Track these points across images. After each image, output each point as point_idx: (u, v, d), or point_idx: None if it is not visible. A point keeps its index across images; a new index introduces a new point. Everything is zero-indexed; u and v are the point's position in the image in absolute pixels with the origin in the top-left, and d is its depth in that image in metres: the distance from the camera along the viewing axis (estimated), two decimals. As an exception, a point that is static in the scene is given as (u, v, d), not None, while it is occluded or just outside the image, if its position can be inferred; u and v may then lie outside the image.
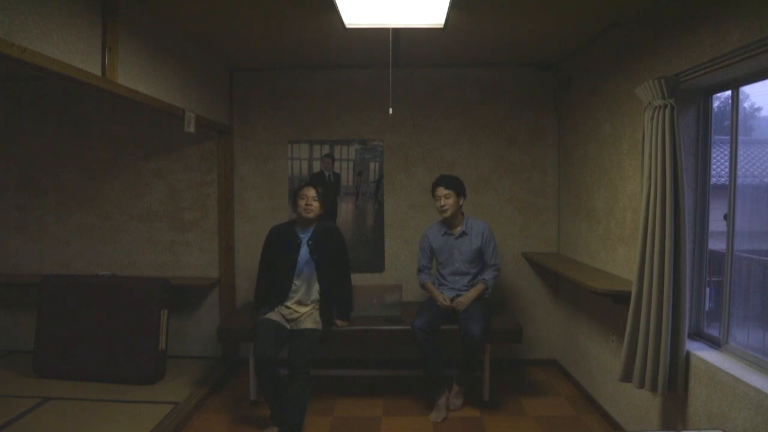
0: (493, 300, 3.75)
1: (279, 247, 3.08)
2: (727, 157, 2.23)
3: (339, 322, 3.16)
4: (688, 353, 2.25)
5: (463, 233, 3.26)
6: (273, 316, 2.99)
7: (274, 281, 3.08)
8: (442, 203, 3.19)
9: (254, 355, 2.92)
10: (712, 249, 2.42)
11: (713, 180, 2.40)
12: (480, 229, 3.28)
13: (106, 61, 2.29)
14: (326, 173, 4.02)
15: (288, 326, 2.98)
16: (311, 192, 3.03)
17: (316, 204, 3.02)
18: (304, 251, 3.04)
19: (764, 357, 2.02)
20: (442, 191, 3.19)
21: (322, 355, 3.69)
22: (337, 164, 4.02)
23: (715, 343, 2.31)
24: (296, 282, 3.04)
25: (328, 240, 3.10)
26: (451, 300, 3.20)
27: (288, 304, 3.05)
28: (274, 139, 4.01)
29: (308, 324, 2.98)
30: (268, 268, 3.13)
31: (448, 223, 3.28)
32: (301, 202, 3.01)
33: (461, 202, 3.24)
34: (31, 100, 4.07)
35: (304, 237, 3.06)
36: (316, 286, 3.08)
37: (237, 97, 4.01)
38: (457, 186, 3.21)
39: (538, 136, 3.97)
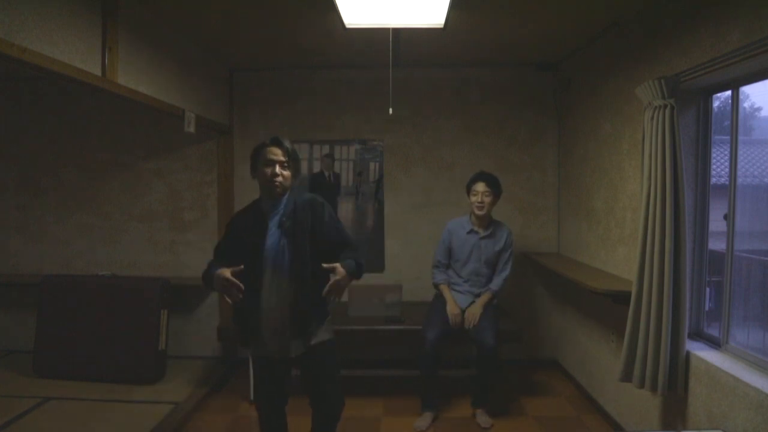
0: (501, 305, 3.75)
1: (243, 236, 2.15)
2: (727, 157, 2.23)
3: (339, 272, 2.01)
4: (688, 353, 2.25)
5: (489, 235, 3.17)
6: (265, 352, 2.12)
7: (243, 285, 2.00)
8: (480, 200, 3.07)
9: (258, 405, 2.27)
10: (712, 249, 2.42)
11: (713, 180, 2.40)
12: (503, 233, 3.19)
13: (106, 61, 2.29)
14: (326, 173, 4.02)
15: (286, 354, 2.11)
16: (279, 154, 2.10)
17: (287, 174, 2.12)
18: (273, 234, 2.10)
19: (764, 357, 2.02)
20: (482, 187, 3.08)
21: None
22: (337, 164, 4.02)
23: (715, 343, 2.31)
24: (267, 278, 2.08)
25: (308, 213, 2.14)
26: (463, 311, 3.10)
27: (268, 315, 2.08)
28: (274, 139, 4.01)
29: (322, 336, 2.16)
30: (224, 259, 2.14)
31: (477, 222, 3.17)
32: (267, 171, 2.10)
33: (495, 204, 3.16)
34: (31, 100, 4.07)
35: (274, 215, 2.14)
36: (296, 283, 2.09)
37: (237, 97, 4.01)
38: (498, 186, 3.12)
39: (538, 136, 3.97)
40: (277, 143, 2.14)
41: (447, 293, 3.16)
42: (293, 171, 2.16)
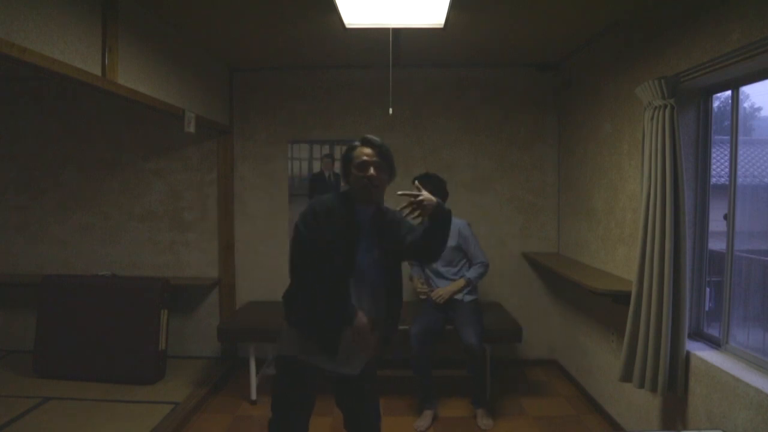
0: (500, 305, 3.76)
1: (330, 235, 1.81)
2: (727, 157, 2.23)
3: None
4: (688, 353, 2.25)
5: None
6: (309, 356, 1.89)
7: (314, 290, 1.83)
8: None
9: (282, 412, 1.97)
10: (712, 249, 2.42)
11: (713, 180, 2.40)
12: (454, 228, 3.16)
13: (106, 61, 2.29)
14: (326, 173, 4.02)
15: (326, 366, 1.91)
16: (372, 155, 1.86)
17: (384, 177, 1.90)
18: (366, 244, 1.88)
19: (764, 357, 2.02)
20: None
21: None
22: (337, 164, 4.02)
23: (715, 343, 2.31)
24: (352, 291, 1.85)
25: (392, 225, 1.94)
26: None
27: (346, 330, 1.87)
28: (274, 139, 4.01)
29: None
30: (325, 260, 1.80)
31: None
32: (361, 174, 1.86)
33: None
34: (31, 100, 4.06)
35: (368, 223, 1.89)
36: (379, 299, 1.93)
37: (237, 97, 4.01)
38: (431, 186, 3.07)
39: (538, 136, 3.97)
40: (369, 143, 1.89)
41: (416, 280, 3.36)
42: (389, 173, 1.92)
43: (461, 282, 3.17)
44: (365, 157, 1.86)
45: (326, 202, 1.87)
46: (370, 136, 1.91)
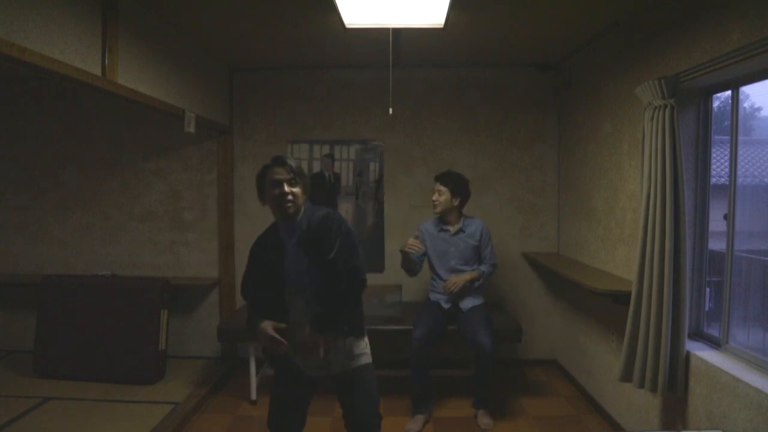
0: (500, 305, 3.77)
1: (264, 263, 2.08)
2: (727, 157, 2.23)
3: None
4: (688, 353, 2.25)
5: (460, 230, 3.20)
6: (289, 380, 2.11)
7: (272, 311, 2.06)
8: (434, 198, 3.15)
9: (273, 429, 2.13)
10: (712, 249, 2.42)
11: (713, 180, 2.40)
12: (477, 227, 3.22)
13: (106, 61, 2.29)
14: (326, 173, 4.02)
15: (314, 376, 2.10)
16: (283, 173, 1.97)
17: (296, 191, 1.99)
18: (292, 256, 2.04)
19: (764, 357, 2.02)
20: (437, 186, 3.16)
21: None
22: (337, 164, 4.02)
23: (715, 343, 2.31)
24: (292, 302, 2.05)
25: (322, 230, 2.04)
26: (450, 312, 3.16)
27: (298, 338, 2.06)
28: (274, 139, 4.01)
29: (356, 359, 2.11)
30: (259, 290, 2.09)
31: (443, 220, 3.23)
32: (275, 192, 1.98)
33: (456, 202, 3.14)
34: (31, 100, 4.06)
35: (291, 237, 2.05)
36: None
37: (237, 97, 4.01)
38: (452, 184, 3.14)
39: (538, 136, 3.97)
40: (280, 162, 2.00)
41: (409, 240, 3.10)
42: (302, 187, 2.03)
43: (475, 273, 3.16)
44: (277, 176, 1.98)
45: (262, 234, 2.15)
46: (279, 155, 2.05)
